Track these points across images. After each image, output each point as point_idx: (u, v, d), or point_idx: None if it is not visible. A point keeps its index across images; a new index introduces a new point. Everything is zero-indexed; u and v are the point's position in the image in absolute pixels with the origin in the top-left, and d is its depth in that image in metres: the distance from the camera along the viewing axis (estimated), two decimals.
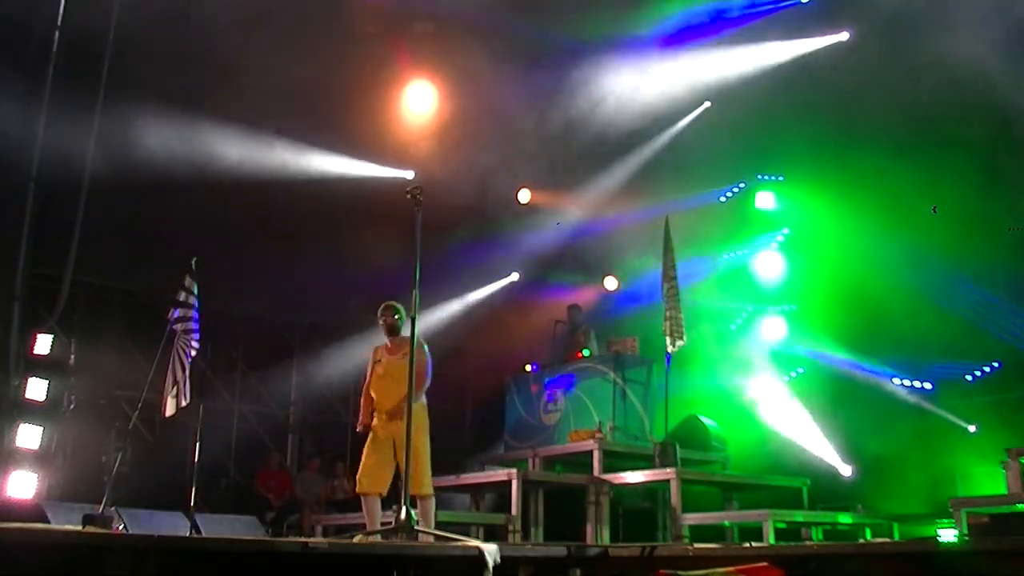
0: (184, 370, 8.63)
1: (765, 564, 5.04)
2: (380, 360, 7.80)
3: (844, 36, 11.93)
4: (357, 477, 7.65)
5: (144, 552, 4.41)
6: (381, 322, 7.77)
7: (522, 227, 13.63)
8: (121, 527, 8.46)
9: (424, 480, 7.47)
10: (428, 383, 7.63)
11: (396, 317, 7.74)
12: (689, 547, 6.44)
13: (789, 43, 12.10)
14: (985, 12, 10.47)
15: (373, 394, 7.77)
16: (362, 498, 7.56)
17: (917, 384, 12.15)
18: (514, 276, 14.52)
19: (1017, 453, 8.68)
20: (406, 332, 7.29)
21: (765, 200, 13.44)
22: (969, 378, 11.70)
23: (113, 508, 8.55)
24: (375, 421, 7.66)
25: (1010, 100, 10.56)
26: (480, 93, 11.84)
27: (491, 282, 14.26)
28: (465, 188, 12.25)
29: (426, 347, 7.61)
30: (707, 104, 12.85)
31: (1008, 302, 11.16)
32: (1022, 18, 10.26)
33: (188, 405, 8.67)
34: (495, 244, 13.38)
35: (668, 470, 9.10)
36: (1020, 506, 7.61)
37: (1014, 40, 10.23)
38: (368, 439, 7.67)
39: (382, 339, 7.90)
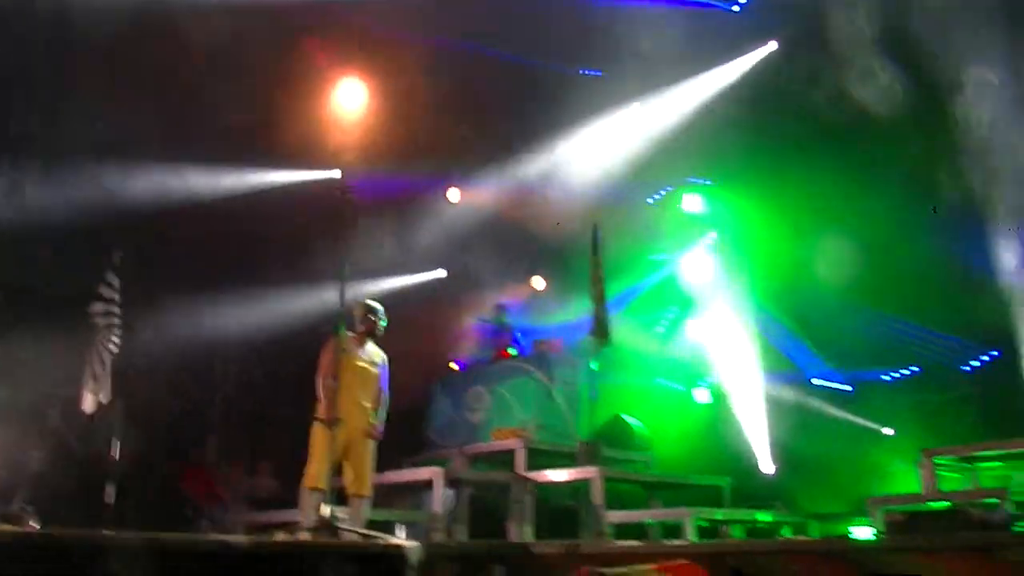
0: (104, 366, 8.46)
1: (686, 561, 5.09)
2: (347, 357, 7.67)
3: (774, 46, 12.18)
4: (311, 471, 7.47)
5: (61, 550, 4.31)
6: (360, 322, 7.71)
7: (451, 225, 13.61)
8: (35, 526, 8.25)
9: (368, 480, 7.50)
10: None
11: (375, 319, 7.78)
12: (612, 544, 6.48)
13: (722, 68, 12.35)
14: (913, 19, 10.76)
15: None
16: (308, 492, 7.42)
17: (839, 386, 12.42)
18: (440, 273, 14.49)
19: (932, 453, 8.94)
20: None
21: (693, 203, 13.59)
22: (888, 379, 12.01)
23: (26, 506, 8.34)
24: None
25: (939, 109, 10.87)
26: (411, 91, 11.79)
27: (417, 280, 14.20)
28: (394, 186, 12.18)
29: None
30: (638, 105, 12.96)
31: (919, 322, 11.50)
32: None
33: (109, 402, 8.50)
34: (423, 242, 13.35)
35: (592, 469, 9.15)
36: (933, 504, 7.81)
37: (943, 44, 10.52)
38: (320, 433, 7.50)
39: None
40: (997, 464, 9.21)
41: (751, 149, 11.88)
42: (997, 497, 7.56)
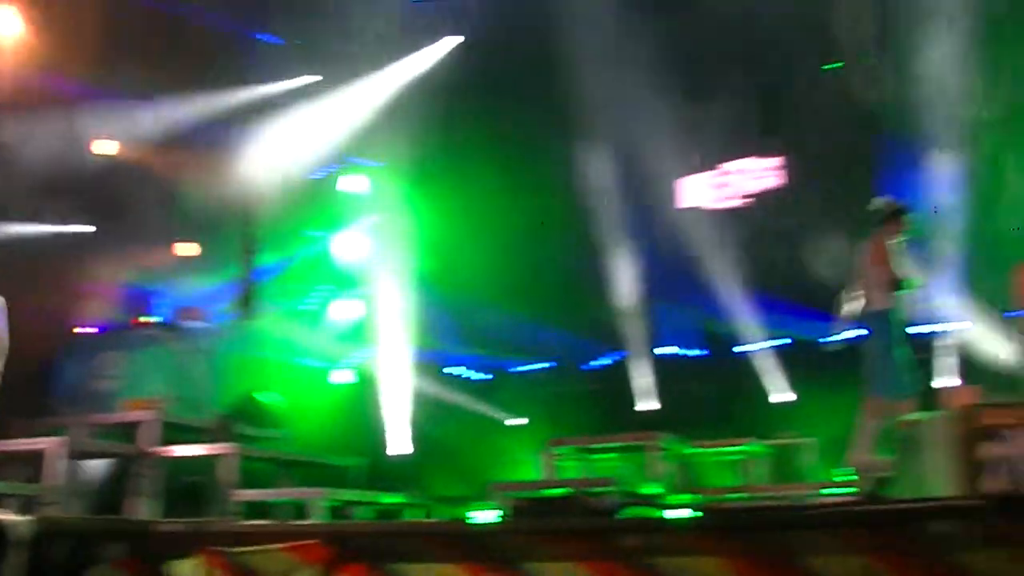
0: None
1: (316, 541, 5.09)
2: None
3: (460, 39, 12.54)
4: None
5: None
6: None
7: (97, 178, 12.73)
8: None
9: None
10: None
11: None
12: (240, 523, 6.37)
13: (412, 57, 12.58)
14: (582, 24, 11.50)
15: None
16: None
17: (480, 374, 12.92)
18: (81, 228, 13.49)
19: (555, 443, 9.56)
20: None
21: (356, 183, 13.57)
22: (524, 371, 12.67)
23: None
24: None
25: (596, 113, 11.67)
26: (64, 31, 10.93)
27: (55, 233, 13.15)
28: (45, 130, 11.24)
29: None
30: (317, 78, 12.81)
31: (555, 322, 12.26)
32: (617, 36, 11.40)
33: None
34: (67, 192, 12.39)
35: (225, 445, 8.93)
36: (551, 491, 8.34)
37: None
38: None
39: None
40: (610, 455, 10.02)
41: (426, 139, 12.11)
42: (608, 485, 8.20)
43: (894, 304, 7.48)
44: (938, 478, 5.54)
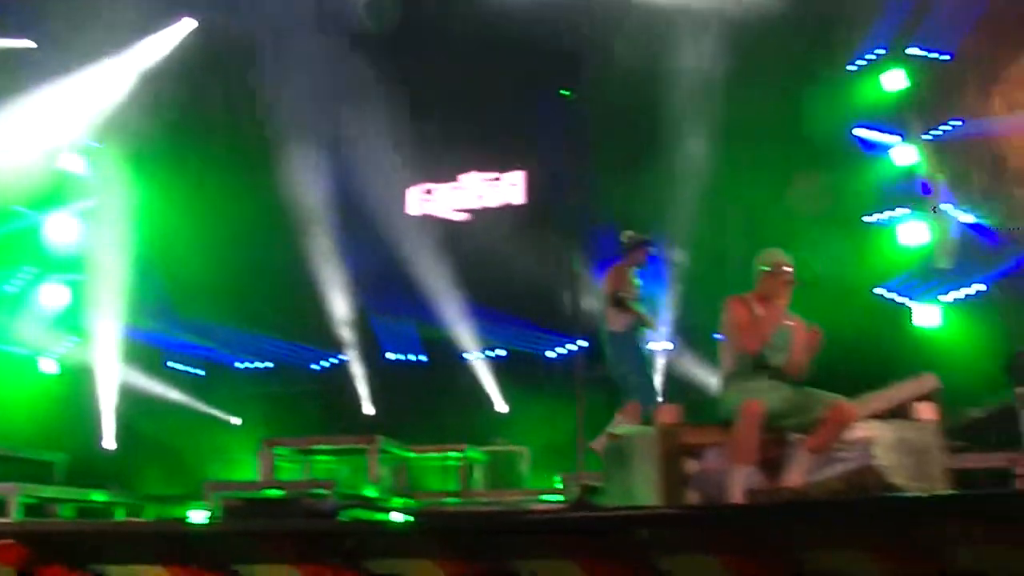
0: None
1: (10, 541, 4.77)
2: None
3: (193, 24, 12.17)
4: None
5: None
6: None
7: None
8: None
9: None
10: None
11: None
12: None
13: (141, 41, 12.25)
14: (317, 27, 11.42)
15: None
16: None
17: (192, 369, 12.51)
18: None
19: (272, 443, 9.44)
20: None
21: (74, 163, 12.73)
22: (241, 368, 12.39)
23: None
24: None
25: (325, 117, 11.61)
26: None
27: None
28: None
29: None
30: (30, 44, 12.01)
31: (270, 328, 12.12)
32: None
33: None
34: None
35: None
36: (267, 492, 8.21)
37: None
38: None
39: None
40: (329, 457, 9.99)
41: (151, 123, 11.67)
42: (327, 488, 8.16)
43: (632, 325, 8.03)
44: (644, 489, 5.88)
